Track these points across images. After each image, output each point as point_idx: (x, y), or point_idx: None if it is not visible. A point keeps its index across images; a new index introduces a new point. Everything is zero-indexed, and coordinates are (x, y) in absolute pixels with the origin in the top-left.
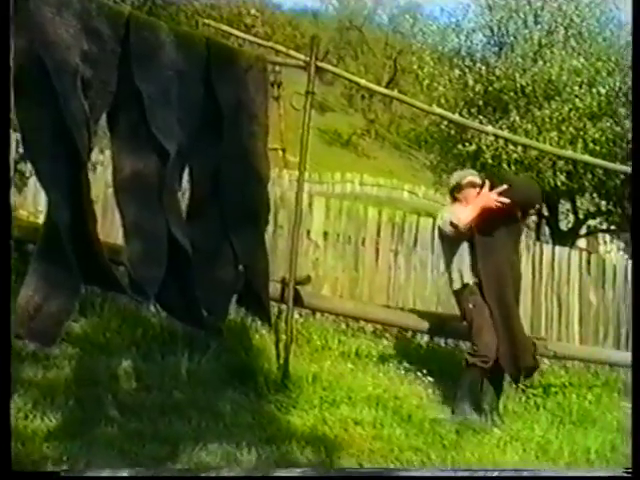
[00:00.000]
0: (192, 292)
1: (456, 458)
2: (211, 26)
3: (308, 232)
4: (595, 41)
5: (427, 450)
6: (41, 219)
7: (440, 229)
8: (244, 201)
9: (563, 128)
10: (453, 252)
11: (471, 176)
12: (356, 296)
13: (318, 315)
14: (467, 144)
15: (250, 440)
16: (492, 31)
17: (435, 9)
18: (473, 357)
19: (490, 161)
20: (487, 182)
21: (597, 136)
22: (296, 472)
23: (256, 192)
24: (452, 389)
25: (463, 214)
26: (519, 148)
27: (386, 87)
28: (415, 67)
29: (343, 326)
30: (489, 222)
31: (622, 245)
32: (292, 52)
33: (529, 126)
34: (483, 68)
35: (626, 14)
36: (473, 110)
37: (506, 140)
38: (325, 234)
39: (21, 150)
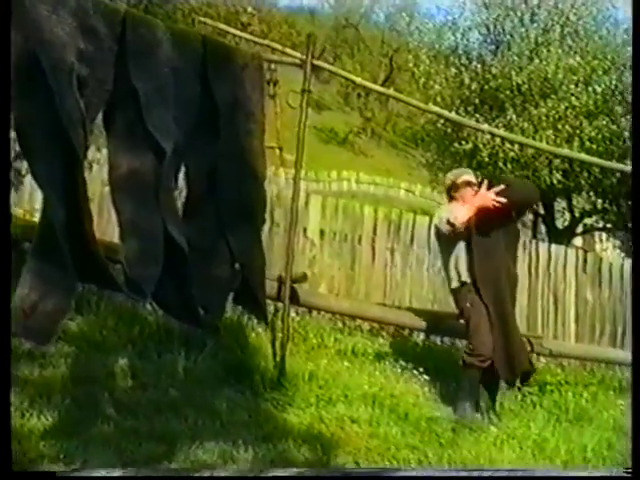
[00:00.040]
0: (188, 290)
1: (452, 456)
2: (207, 24)
3: (304, 230)
4: (591, 39)
5: (423, 448)
6: (37, 217)
7: (437, 228)
8: (240, 199)
9: (559, 126)
10: (450, 251)
11: (467, 175)
12: (352, 294)
13: (314, 313)
14: (463, 142)
15: (246, 438)
16: (488, 29)
17: (431, 7)
18: (470, 357)
19: (486, 159)
20: (485, 182)
21: (593, 134)
22: (293, 472)
23: (252, 190)
24: (448, 387)
25: (460, 213)
26: (515, 146)
27: (382, 85)
28: (411, 65)
29: (339, 324)
30: (486, 222)
31: (618, 243)
32: (288, 50)
33: (525, 124)
34: (479, 66)
35: (624, 12)
36: (469, 108)
37: (502, 138)
38: (321, 232)
39: (17, 148)
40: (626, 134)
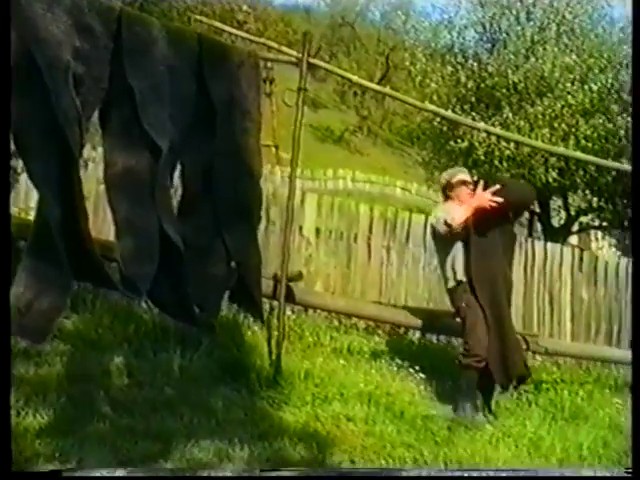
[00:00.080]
0: (184, 288)
1: (448, 454)
2: (203, 22)
3: (300, 228)
4: (587, 38)
5: (419, 446)
6: (33, 216)
7: (434, 228)
8: (236, 197)
9: (555, 125)
10: (447, 251)
11: (461, 174)
12: (348, 292)
13: (310, 311)
14: (459, 141)
15: (242, 436)
16: (484, 28)
17: (427, 6)
18: (466, 357)
19: (482, 158)
20: (481, 182)
21: (589, 133)
22: (289, 471)
23: (248, 188)
24: (444, 385)
25: (457, 214)
26: (511, 145)
27: (378, 84)
28: (407, 64)
29: (335, 322)
30: (484, 222)
31: (614, 242)
32: (284, 48)
33: (521, 123)
34: (475, 65)
35: (620, 10)
36: (465, 107)
37: (498, 137)
38: (317, 230)
39: (12, 146)
40: (622, 132)
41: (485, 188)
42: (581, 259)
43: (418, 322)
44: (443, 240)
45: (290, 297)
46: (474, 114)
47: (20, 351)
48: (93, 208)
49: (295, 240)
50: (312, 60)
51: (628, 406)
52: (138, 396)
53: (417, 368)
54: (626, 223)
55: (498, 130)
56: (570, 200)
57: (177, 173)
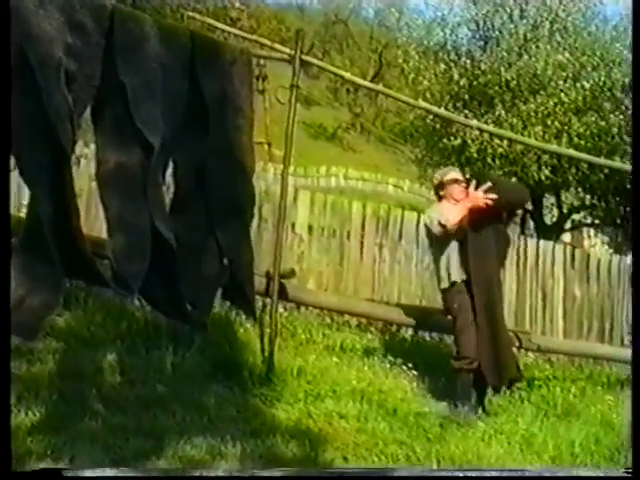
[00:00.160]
0: (176, 286)
1: (440, 452)
2: (196, 19)
3: (293, 226)
4: (580, 36)
5: (411, 443)
6: (24, 213)
7: (427, 228)
8: (229, 195)
9: (548, 122)
10: (441, 251)
11: (453, 172)
12: (341, 290)
13: (303, 309)
14: (452, 138)
15: (235, 434)
16: (477, 25)
17: (420, 3)
18: (458, 361)
19: (475, 155)
20: (473, 181)
21: (582, 130)
22: (282, 472)
23: (241, 186)
24: (437, 382)
25: (451, 214)
26: (504, 142)
27: (371, 81)
28: (400, 61)
29: (328, 320)
30: (478, 222)
31: (606, 239)
32: (277, 46)
33: (514, 120)
34: (468, 62)
35: (616, 8)
36: (458, 104)
37: (491, 134)
38: (310, 228)
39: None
40: (614, 130)
41: (477, 187)
42: (573, 257)
43: (411, 319)
44: (437, 240)
45: (283, 294)
46: (467, 112)
47: (12, 348)
48: (85, 205)
49: (288, 237)
50: (305, 57)
51: (620, 403)
52: (130, 394)
53: (409, 365)
54: (618, 221)
55: (491, 128)
56: (563, 198)
57: (169, 170)
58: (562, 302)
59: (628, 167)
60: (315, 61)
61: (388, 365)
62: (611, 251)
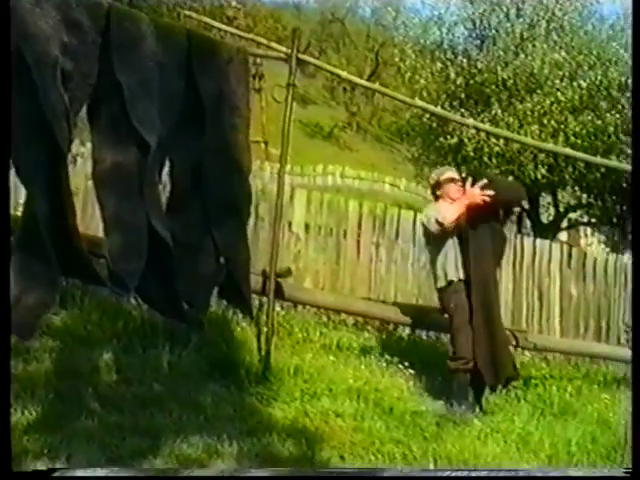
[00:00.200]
0: (173, 285)
1: (437, 450)
2: (192, 18)
3: (289, 224)
4: (577, 35)
5: (408, 442)
6: (20, 211)
7: (425, 227)
8: (225, 193)
9: (544, 121)
10: (438, 250)
11: (449, 172)
12: (337, 288)
13: (299, 307)
14: (449, 137)
15: (231, 432)
16: (474, 24)
17: (417, 2)
18: (454, 361)
19: (472, 154)
20: (469, 179)
21: (578, 129)
22: (277, 472)
23: (237, 184)
24: (433, 381)
25: (448, 212)
26: (501, 141)
27: (368, 80)
28: (397, 60)
29: (324, 318)
30: (476, 220)
31: (603, 238)
32: (274, 44)
33: (511, 119)
34: (465, 61)
35: (612, 7)
36: (455, 103)
37: (488, 133)
38: (306, 226)
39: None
40: (611, 129)
41: (474, 184)
42: (570, 255)
43: (407, 318)
44: (434, 239)
45: (279, 293)
46: (463, 110)
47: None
48: (81, 204)
49: (284, 236)
50: (301, 56)
51: (617, 402)
52: (127, 392)
53: (406, 364)
54: (615, 219)
55: (487, 126)
56: (559, 196)
57: (166, 169)
58: (559, 301)
59: (624, 166)
60: (312, 60)
61: (385, 364)
62: (607, 250)
